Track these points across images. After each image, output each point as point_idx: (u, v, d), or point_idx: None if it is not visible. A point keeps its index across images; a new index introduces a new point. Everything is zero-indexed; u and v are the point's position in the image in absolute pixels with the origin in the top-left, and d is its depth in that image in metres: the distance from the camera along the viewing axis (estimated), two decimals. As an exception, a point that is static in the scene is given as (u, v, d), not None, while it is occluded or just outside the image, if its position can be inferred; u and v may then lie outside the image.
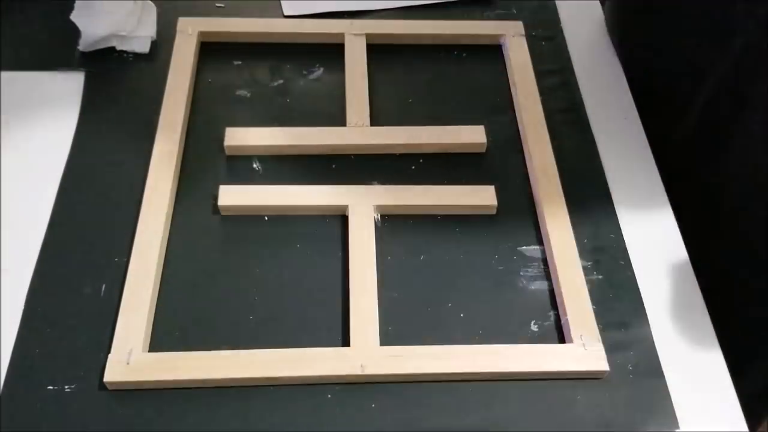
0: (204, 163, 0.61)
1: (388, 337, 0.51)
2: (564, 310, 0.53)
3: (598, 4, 0.78)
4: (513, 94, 0.68)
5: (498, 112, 0.66)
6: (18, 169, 0.59)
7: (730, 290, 0.64)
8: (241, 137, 0.61)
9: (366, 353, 0.49)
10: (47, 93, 0.65)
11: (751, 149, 0.61)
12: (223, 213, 0.57)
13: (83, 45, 0.67)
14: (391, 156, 0.62)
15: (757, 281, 0.64)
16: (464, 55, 0.71)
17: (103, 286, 0.53)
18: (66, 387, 0.48)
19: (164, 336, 0.51)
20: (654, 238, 0.59)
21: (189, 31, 0.68)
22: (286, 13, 0.72)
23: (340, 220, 0.57)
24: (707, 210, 0.68)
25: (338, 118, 0.64)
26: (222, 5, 0.72)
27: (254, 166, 0.61)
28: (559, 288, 0.54)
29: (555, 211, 0.58)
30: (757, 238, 0.62)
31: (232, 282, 0.54)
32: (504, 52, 0.71)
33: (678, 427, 0.49)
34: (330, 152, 0.62)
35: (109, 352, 0.48)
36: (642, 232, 0.59)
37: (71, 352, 0.49)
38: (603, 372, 0.50)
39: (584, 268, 0.55)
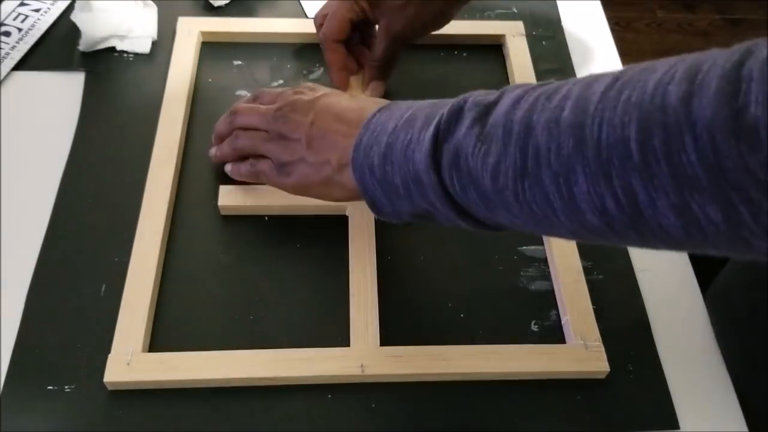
0: (204, 163, 0.60)
1: (388, 337, 0.51)
2: (564, 310, 0.53)
3: (599, 3, 0.78)
4: (513, 94, 0.68)
5: (498, 112, 0.66)
6: (18, 169, 0.59)
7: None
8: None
9: (366, 353, 0.49)
10: (47, 93, 0.65)
11: None
12: (223, 213, 0.57)
13: (83, 45, 0.67)
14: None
15: None
16: (464, 55, 0.71)
17: (103, 286, 0.53)
18: (66, 387, 0.48)
19: (164, 336, 0.51)
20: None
21: (189, 31, 0.68)
22: (309, 16, 0.72)
23: (340, 220, 0.57)
24: None
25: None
26: (222, 5, 0.72)
27: (254, 166, 0.61)
28: (559, 288, 0.54)
29: (555, 211, 0.58)
30: None
31: (232, 282, 0.54)
32: (504, 52, 0.71)
33: (678, 427, 0.49)
34: None
35: (109, 352, 0.48)
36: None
37: (71, 352, 0.49)
38: (603, 372, 0.50)
39: (584, 268, 0.55)
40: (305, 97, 0.52)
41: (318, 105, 0.51)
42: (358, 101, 0.51)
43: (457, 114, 0.41)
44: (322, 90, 0.54)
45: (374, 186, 0.45)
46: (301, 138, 0.50)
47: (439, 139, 0.41)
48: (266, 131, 0.53)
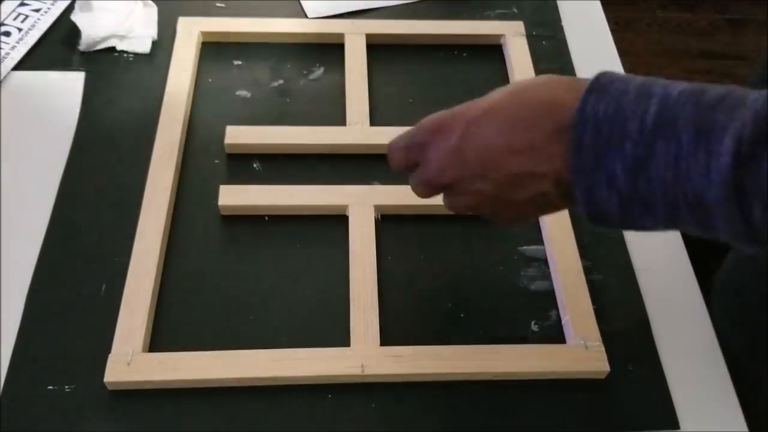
0: (204, 163, 0.61)
1: (388, 338, 0.51)
2: (564, 310, 0.53)
3: (599, 3, 0.78)
4: (513, 94, 0.68)
5: (498, 112, 0.66)
6: (18, 169, 0.59)
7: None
8: (241, 135, 0.61)
9: (366, 353, 0.49)
10: (47, 93, 0.65)
11: None
12: (223, 213, 0.57)
13: (83, 45, 0.67)
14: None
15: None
16: (464, 55, 0.71)
17: (103, 286, 0.53)
18: (66, 387, 0.48)
19: (164, 336, 0.51)
20: (654, 238, 0.59)
21: (189, 31, 0.69)
22: (309, 16, 0.72)
23: (340, 220, 0.57)
24: None
25: (338, 118, 0.64)
26: (222, 5, 0.72)
27: (254, 166, 0.61)
28: (560, 288, 0.54)
29: (555, 211, 0.58)
30: None
31: (232, 282, 0.54)
32: (504, 52, 0.71)
33: (678, 427, 0.49)
34: (330, 152, 0.62)
35: (109, 352, 0.48)
36: (642, 232, 0.59)
37: (71, 352, 0.49)
38: (603, 372, 0.50)
39: (584, 268, 0.55)
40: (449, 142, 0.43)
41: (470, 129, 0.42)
42: (515, 90, 0.40)
43: (765, 133, 0.32)
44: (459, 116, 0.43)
45: (610, 198, 0.37)
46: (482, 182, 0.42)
47: (741, 164, 0.32)
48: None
